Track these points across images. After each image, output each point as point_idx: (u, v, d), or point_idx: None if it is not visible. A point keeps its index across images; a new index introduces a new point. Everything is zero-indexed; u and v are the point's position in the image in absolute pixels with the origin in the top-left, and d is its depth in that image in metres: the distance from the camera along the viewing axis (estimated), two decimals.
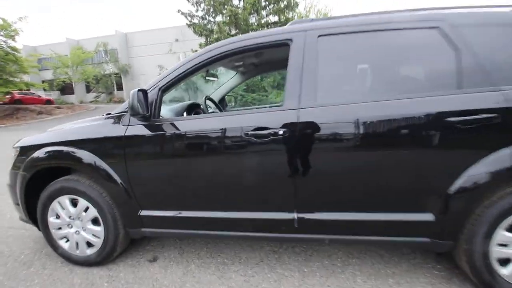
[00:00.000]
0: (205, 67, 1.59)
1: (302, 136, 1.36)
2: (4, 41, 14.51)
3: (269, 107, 3.25)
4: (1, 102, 16.54)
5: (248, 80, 3.21)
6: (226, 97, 3.20)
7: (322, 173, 1.38)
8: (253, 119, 1.45)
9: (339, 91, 1.45)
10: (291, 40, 1.47)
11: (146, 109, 1.48)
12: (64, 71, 20.21)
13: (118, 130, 1.57)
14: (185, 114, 2.06)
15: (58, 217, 1.76)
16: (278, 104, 3.04)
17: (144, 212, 1.62)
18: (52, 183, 1.72)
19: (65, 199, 1.72)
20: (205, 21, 12.75)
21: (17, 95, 18.20)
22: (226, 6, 11.70)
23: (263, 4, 11.96)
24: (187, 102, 2.24)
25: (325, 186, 1.40)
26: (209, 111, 2.44)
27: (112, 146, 1.58)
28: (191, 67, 1.55)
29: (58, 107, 18.72)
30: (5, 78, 14.92)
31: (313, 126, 1.35)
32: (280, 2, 11.93)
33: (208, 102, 2.51)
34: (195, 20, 12.87)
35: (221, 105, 3.18)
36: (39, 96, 20.25)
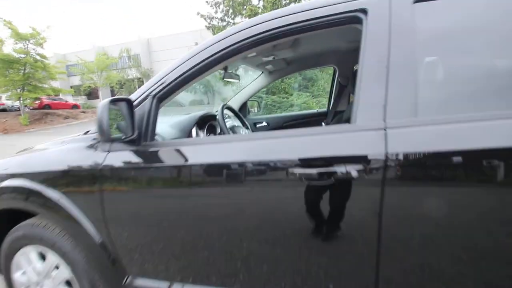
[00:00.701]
0: (224, 61, 1.03)
1: (394, 180, 0.76)
2: (33, 49, 15.05)
3: (316, 112, 2.69)
4: (31, 108, 17.32)
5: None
6: (248, 102, 2.66)
7: (433, 244, 0.77)
8: (299, 145, 0.88)
9: (461, 96, 0.83)
10: (364, 11, 0.88)
11: (132, 128, 0.96)
12: (90, 76, 20.88)
13: (94, 159, 1.05)
14: (194, 131, 1.53)
15: (24, 273, 1.29)
16: (332, 117, 2.54)
17: (133, 281, 1.09)
18: (14, 229, 1.25)
19: (31, 251, 1.24)
20: (224, 23, 12.41)
21: (45, 100, 18.91)
22: (245, 6, 11.27)
23: (284, 2, 11.38)
24: (197, 114, 1.71)
25: (437, 264, 0.78)
26: (227, 123, 1.89)
27: (84, 182, 1.07)
28: (201, 62, 1.00)
29: (84, 112, 19.41)
30: (34, 84, 15.48)
31: (417, 162, 0.75)
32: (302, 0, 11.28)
33: (226, 111, 1.97)
34: (214, 22, 12.58)
35: (243, 112, 2.64)
36: (66, 101, 21.04)
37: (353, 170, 0.78)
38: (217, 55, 0.99)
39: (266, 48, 1.04)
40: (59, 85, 20.05)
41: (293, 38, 1.01)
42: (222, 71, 1.78)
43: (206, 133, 1.64)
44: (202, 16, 12.51)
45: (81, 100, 24.10)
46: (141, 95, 1.04)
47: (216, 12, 12.43)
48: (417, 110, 0.78)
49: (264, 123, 2.67)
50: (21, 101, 15.33)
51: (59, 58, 21.56)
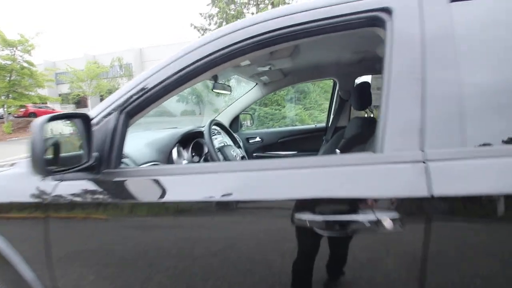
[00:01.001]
0: (212, 68, 0.82)
1: (441, 231, 0.56)
2: (21, 56, 14.65)
3: (314, 128, 2.50)
4: (15, 115, 16.71)
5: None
6: (240, 115, 2.46)
7: None
8: (306, 180, 0.66)
9: None
10: (387, 11, 0.70)
11: (88, 153, 0.73)
12: (79, 85, 20.48)
13: (41, 189, 0.81)
14: (175, 151, 1.30)
15: None
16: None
17: None
18: None
19: None
20: None
21: (31, 108, 18.31)
22: (239, 19, 11.31)
23: None
24: (180, 130, 1.48)
25: None
26: (216, 141, 1.66)
27: (27, 220, 0.82)
28: (184, 68, 0.80)
29: None
30: (19, 92, 14.99)
31: (473, 208, 0.55)
32: None
33: (216, 127, 1.75)
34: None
35: (235, 126, 2.43)
36: (53, 110, 20.42)
37: (383, 217, 0.57)
38: (204, 60, 0.79)
39: (265, 53, 0.84)
40: (47, 93, 19.61)
41: (295, 43, 0.81)
42: (212, 81, 1.57)
43: (191, 154, 1.43)
44: (195, 27, 12.49)
45: (69, 108, 23.47)
46: (104, 109, 0.82)
47: (209, 24, 12.45)
48: (466, 136, 0.59)
49: (258, 139, 2.47)
50: (5, 109, 14.79)
51: (49, 65, 21.12)
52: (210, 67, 0.80)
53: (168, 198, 0.72)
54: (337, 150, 1.12)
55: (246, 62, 1.38)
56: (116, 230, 0.77)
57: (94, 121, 0.80)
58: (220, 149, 1.35)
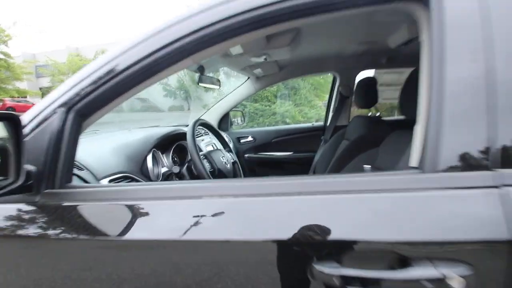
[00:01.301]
0: (195, 54, 0.61)
1: None
2: None
3: (311, 126, 2.30)
4: None
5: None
6: (231, 112, 2.25)
7: None
8: (327, 214, 0.47)
9: None
10: None
11: (16, 168, 0.52)
12: (61, 78, 19.62)
13: None
14: (149, 158, 1.07)
15: None
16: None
17: None
18: None
19: None
20: None
21: (9, 102, 17.37)
22: None
23: None
24: (157, 132, 1.26)
25: None
26: (203, 144, 1.44)
27: None
28: (156, 52, 0.58)
29: None
30: None
31: None
32: None
33: (201, 128, 1.51)
34: None
35: (224, 124, 2.22)
36: (33, 104, 19.48)
37: (449, 273, 0.38)
38: (182, 42, 0.57)
39: (261, 36, 0.63)
40: (27, 87, 18.67)
41: (299, 22, 0.60)
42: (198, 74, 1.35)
43: (173, 160, 1.23)
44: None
45: None
46: (45, 108, 0.59)
47: None
48: None
49: (250, 138, 2.27)
50: None
51: (28, 57, 20.11)
52: (190, 52, 0.59)
53: (128, 235, 0.51)
54: (367, 166, 0.94)
55: (238, 51, 1.17)
56: (57, 279, 0.55)
57: (31, 125, 0.58)
58: (207, 155, 1.14)
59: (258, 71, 1.79)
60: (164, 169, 1.06)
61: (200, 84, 1.37)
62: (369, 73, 2.02)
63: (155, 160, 1.07)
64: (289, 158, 2.23)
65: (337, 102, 2.08)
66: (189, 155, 1.16)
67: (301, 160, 2.20)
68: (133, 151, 1.04)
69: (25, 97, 19.25)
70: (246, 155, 2.25)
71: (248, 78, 2.04)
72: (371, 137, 1.37)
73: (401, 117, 2.17)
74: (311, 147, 2.18)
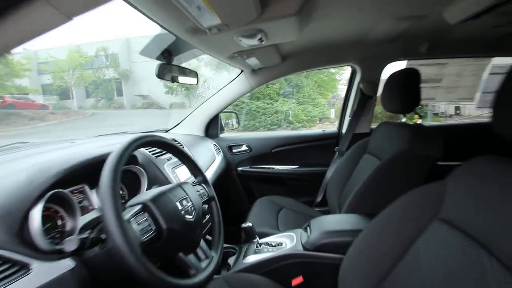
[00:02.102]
0: None
1: None
2: None
3: (322, 134, 1.82)
4: None
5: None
6: (221, 114, 1.81)
7: None
8: None
9: None
10: None
11: None
12: (60, 75, 19.43)
13: None
14: (37, 216, 0.53)
15: None
16: None
17: None
18: None
19: None
20: None
21: (9, 99, 17.14)
22: None
23: None
24: (68, 154, 0.71)
25: None
26: (168, 167, 0.97)
27: None
28: None
29: (53, 113, 17.71)
30: None
31: None
32: None
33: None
34: None
35: (213, 129, 1.79)
36: (33, 101, 19.24)
37: None
38: None
39: None
40: (28, 84, 18.44)
41: None
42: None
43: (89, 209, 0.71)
44: None
45: (52, 100, 22.24)
46: None
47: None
48: None
49: (245, 147, 1.81)
50: None
51: (30, 54, 19.83)
52: None
53: None
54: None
55: (213, 21, 0.71)
56: None
57: None
58: (147, 208, 0.58)
59: (253, 61, 1.33)
60: (69, 242, 0.50)
61: (159, 77, 0.92)
62: (397, 66, 1.55)
63: (47, 219, 0.58)
64: (294, 174, 1.77)
65: (356, 104, 1.61)
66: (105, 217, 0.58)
67: (309, 176, 1.74)
68: (5, 202, 0.53)
69: (27, 94, 19.01)
70: (240, 169, 1.80)
71: (242, 71, 1.58)
72: (421, 157, 0.93)
73: (454, 122, 1.74)
74: (321, 160, 1.72)
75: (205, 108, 1.72)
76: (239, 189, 1.83)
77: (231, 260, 1.06)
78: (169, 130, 1.76)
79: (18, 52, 17.31)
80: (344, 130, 1.68)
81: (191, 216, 0.66)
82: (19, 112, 15.97)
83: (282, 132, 2.14)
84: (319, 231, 0.94)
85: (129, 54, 22.84)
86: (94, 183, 0.72)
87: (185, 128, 1.76)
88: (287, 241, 1.03)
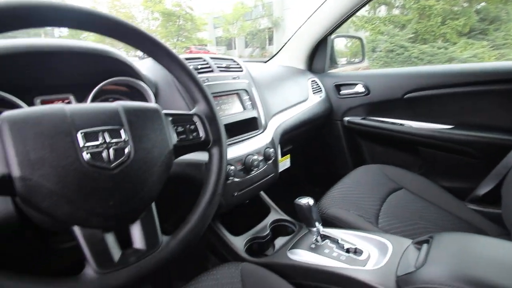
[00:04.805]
0: None
1: None
2: (184, 1, 17.05)
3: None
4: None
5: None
6: (330, 39, 1.26)
7: None
8: None
9: None
10: None
11: None
12: (227, 28, 22.48)
13: None
14: None
15: None
16: None
17: None
18: None
19: None
20: None
21: (194, 49, 22.03)
22: None
23: None
24: None
25: None
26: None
27: None
28: None
29: None
30: (185, 35, 17.95)
31: None
32: None
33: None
34: None
35: (319, 63, 1.31)
36: (208, 51, 23.83)
37: None
38: None
39: None
40: (208, 37, 22.84)
41: None
42: None
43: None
44: None
45: (221, 50, 26.76)
46: None
47: None
48: None
49: (360, 87, 1.21)
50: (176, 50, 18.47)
51: (206, 11, 24.14)
52: None
53: None
54: None
55: None
56: None
57: None
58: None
59: None
60: None
61: None
62: None
63: None
64: (441, 139, 1.04)
65: None
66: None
67: (471, 146, 0.97)
68: None
69: (206, 45, 23.73)
70: (347, 119, 1.25)
71: None
72: None
73: None
74: (505, 122, 0.90)
75: (304, 31, 1.22)
76: (342, 146, 1.31)
77: (280, 241, 0.72)
78: (267, 61, 1.42)
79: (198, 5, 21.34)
80: None
81: (106, 162, 0.32)
82: None
83: (428, 67, 1.16)
84: (448, 267, 0.41)
85: (282, 2, 23.10)
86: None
87: (284, 59, 1.36)
88: (373, 252, 0.56)
